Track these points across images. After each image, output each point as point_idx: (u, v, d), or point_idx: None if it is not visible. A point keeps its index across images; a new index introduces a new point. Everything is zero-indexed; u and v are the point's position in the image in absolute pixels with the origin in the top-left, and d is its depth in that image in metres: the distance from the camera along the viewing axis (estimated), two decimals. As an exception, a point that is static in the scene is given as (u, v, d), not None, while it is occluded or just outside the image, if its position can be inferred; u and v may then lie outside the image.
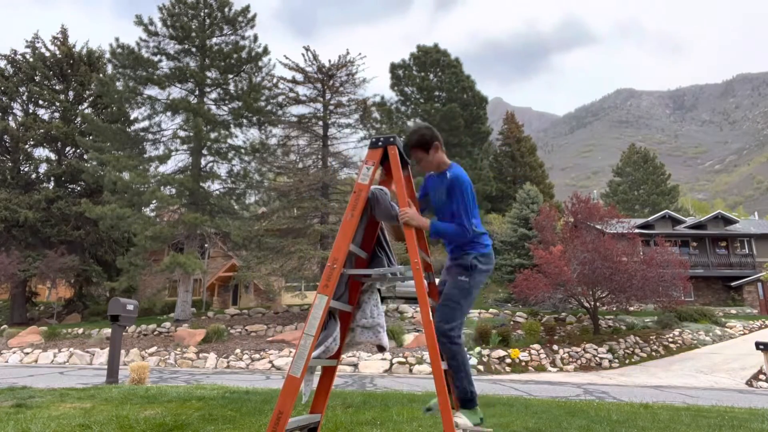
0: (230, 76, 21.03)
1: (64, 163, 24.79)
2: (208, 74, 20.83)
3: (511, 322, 17.16)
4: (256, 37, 21.12)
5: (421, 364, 12.88)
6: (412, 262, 2.53)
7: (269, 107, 20.86)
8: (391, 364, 13.01)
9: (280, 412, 2.37)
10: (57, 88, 25.86)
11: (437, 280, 2.90)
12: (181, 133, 20.00)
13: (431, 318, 2.41)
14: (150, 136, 20.76)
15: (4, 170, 23.88)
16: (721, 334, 17.38)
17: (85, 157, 24.14)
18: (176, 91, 20.44)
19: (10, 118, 24.75)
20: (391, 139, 2.69)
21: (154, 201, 19.40)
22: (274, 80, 21.15)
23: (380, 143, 2.70)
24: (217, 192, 20.89)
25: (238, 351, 14.79)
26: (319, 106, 20.17)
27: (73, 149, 25.60)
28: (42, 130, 24.28)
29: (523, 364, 13.62)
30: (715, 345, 16.33)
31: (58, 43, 26.47)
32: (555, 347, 14.51)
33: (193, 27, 20.53)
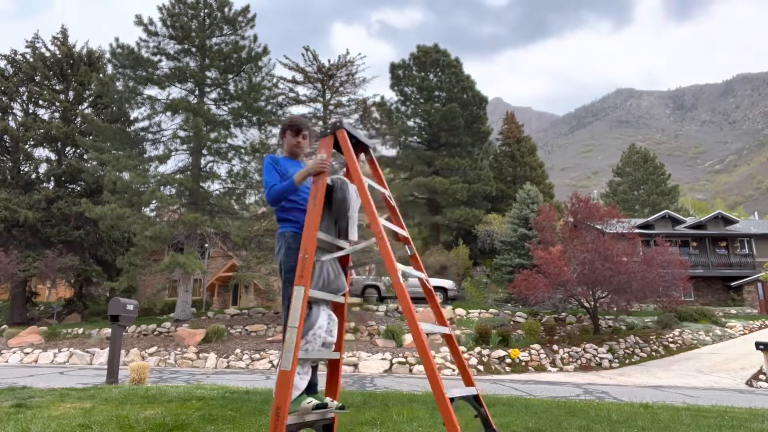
0: (230, 76, 21.01)
1: (64, 163, 24.79)
2: (208, 74, 20.82)
3: (511, 322, 17.17)
4: (255, 37, 21.11)
5: (421, 364, 12.87)
6: (374, 231, 2.51)
7: (269, 107, 20.84)
8: (391, 364, 13.02)
9: (278, 407, 2.37)
10: (57, 88, 25.85)
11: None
12: (181, 133, 19.98)
13: (410, 303, 2.33)
14: (150, 136, 20.75)
15: (4, 170, 23.87)
16: (721, 334, 17.37)
17: (85, 157, 24.14)
18: (176, 91, 20.44)
19: (10, 118, 24.73)
20: (338, 124, 2.78)
21: (154, 201, 19.37)
22: (274, 80, 21.18)
23: (329, 130, 2.81)
24: (217, 192, 20.88)
25: (238, 351, 14.79)
26: (319, 106, 20.19)
27: (73, 149, 25.59)
28: (42, 130, 24.25)
29: (523, 364, 13.62)
30: (715, 345, 16.32)
31: (58, 43, 26.47)
32: (555, 347, 14.51)
33: (193, 27, 20.52)
